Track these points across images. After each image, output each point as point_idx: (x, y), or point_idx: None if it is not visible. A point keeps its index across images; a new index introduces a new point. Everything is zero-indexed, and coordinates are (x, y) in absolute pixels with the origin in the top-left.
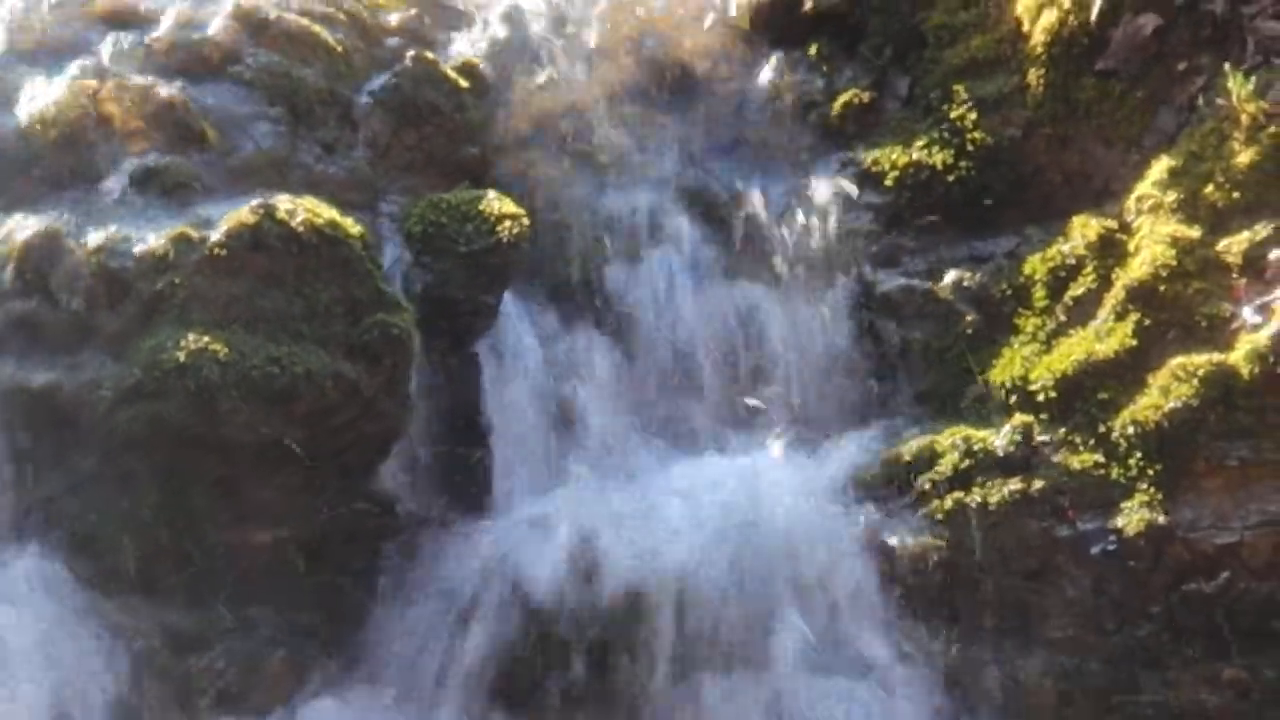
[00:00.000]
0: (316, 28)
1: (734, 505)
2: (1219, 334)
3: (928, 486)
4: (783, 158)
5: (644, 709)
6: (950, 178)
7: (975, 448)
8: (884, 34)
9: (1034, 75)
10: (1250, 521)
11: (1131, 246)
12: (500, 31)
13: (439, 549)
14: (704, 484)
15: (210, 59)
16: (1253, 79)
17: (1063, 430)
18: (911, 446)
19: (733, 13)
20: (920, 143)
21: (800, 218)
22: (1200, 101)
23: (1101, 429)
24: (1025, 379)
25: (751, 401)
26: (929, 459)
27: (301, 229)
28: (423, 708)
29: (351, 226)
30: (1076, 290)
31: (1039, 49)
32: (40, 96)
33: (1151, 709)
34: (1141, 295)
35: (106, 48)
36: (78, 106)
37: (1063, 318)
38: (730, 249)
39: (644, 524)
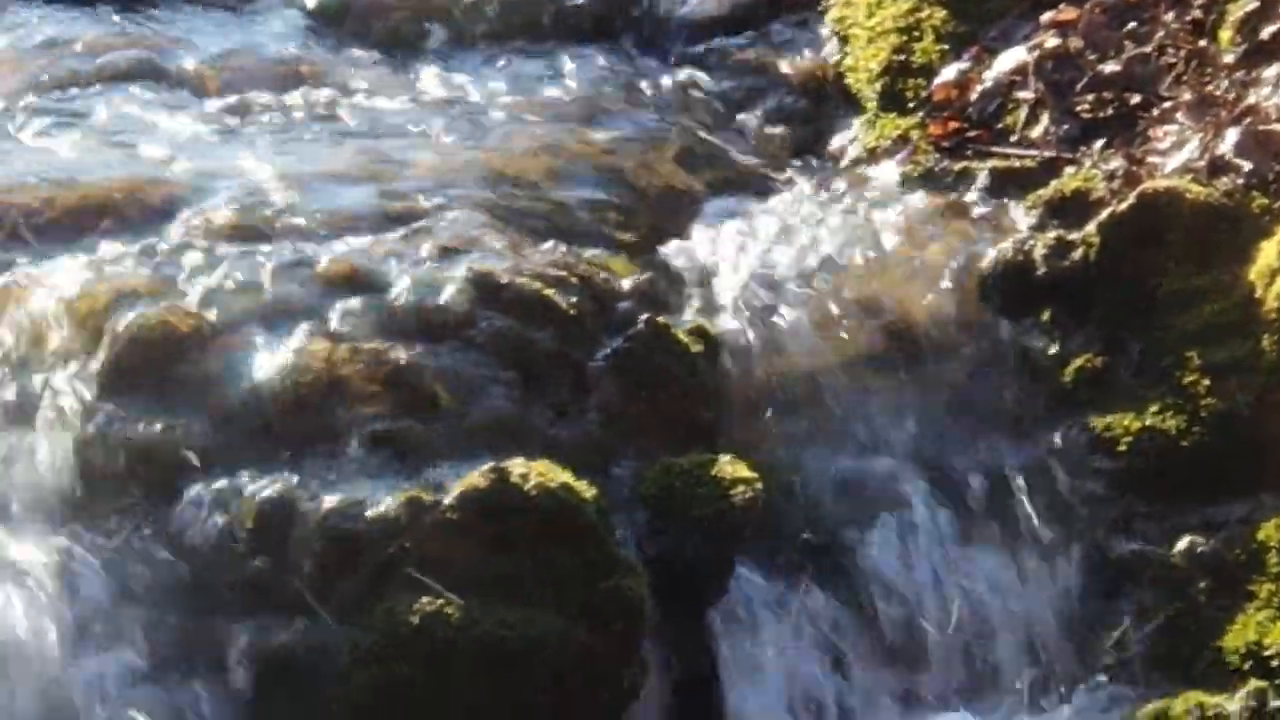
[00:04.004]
0: (549, 291)
1: None
2: None
3: None
4: (1015, 423)
5: None
6: (1183, 444)
7: (1209, 714)
8: (1115, 300)
9: (1268, 341)
10: None
11: None
12: (733, 295)
13: None
14: None
15: (443, 323)
16: None
17: None
18: (1146, 712)
19: (966, 279)
20: (1153, 409)
21: (1034, 484)
22: None
23: None
24: (1259, 645)
25: (982, 668)
26: None
27: (535, 493)
28: None
29: (585, 490)
30: None
31: (1273, 314)
32: (275, 358)
33: None
34: None
35: (340, 311)
36: (311, 370)
37: None
38: (963, 515)
39: None
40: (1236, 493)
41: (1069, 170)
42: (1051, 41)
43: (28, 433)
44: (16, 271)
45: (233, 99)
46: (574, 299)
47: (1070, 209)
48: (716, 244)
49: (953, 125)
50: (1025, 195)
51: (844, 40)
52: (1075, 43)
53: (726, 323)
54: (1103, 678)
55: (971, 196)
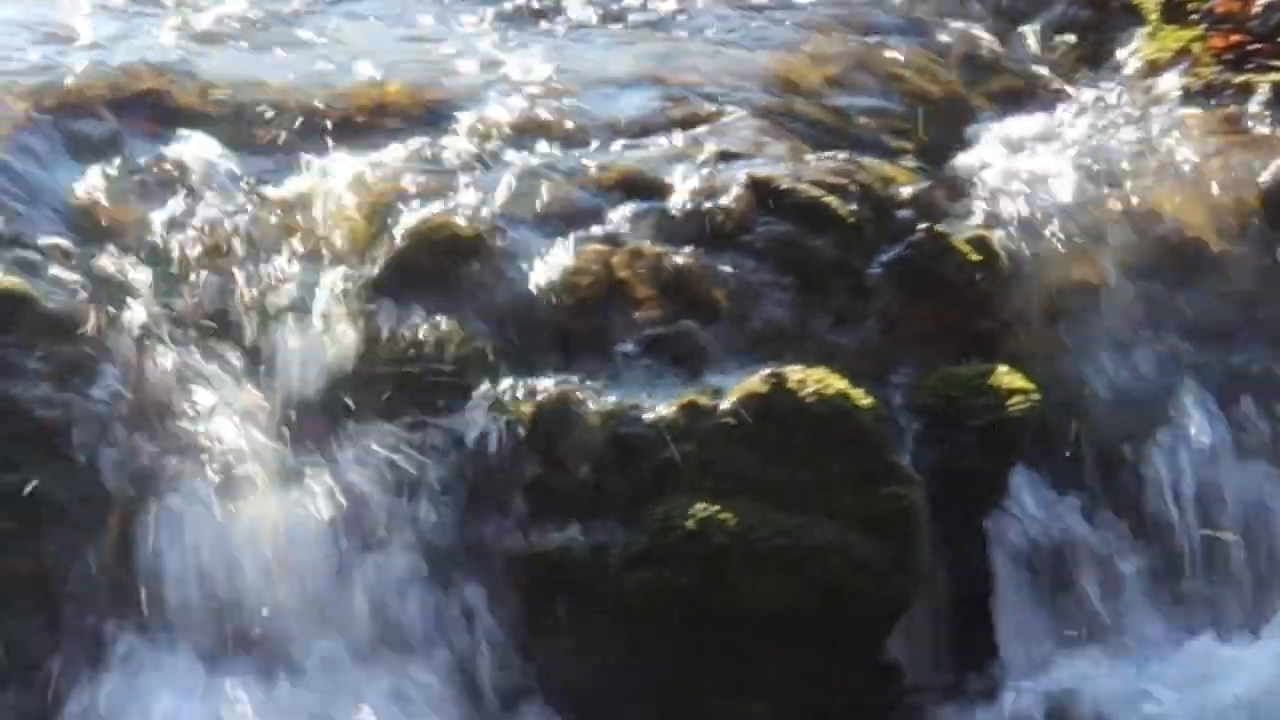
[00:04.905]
0: (829, 198)
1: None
2: None
3: None
4: None
5: None
6: None
7: None
8: None
9: None
10: None
11: None
12: (1012, 205)
13: None
14: (1218, 668)
15: (723, 228)
16: None
17: None
18: None
19: (1245, 192)
20: None
21: None
22: None
23: None
24: None
25: (1259, 585)
26: None
27: (812, 400)
28: None
29: (862, 398)
30: None
31: None
32: (553, 261)
33: None
34: None
35: (618, 215)
36: (590, 274)
37: None
38: (1240, 429)
39: (1150, 706)
40: None
41: None
42: None
43: (310, 333)
44: (300, 172)
45: (517, 1)
46: (853, 206)
47: None
48: (997, 154)
49: (1234, 38)
50: None
51: None
52: None
53: (1006, 232)
54: None
55: (1252, 110)
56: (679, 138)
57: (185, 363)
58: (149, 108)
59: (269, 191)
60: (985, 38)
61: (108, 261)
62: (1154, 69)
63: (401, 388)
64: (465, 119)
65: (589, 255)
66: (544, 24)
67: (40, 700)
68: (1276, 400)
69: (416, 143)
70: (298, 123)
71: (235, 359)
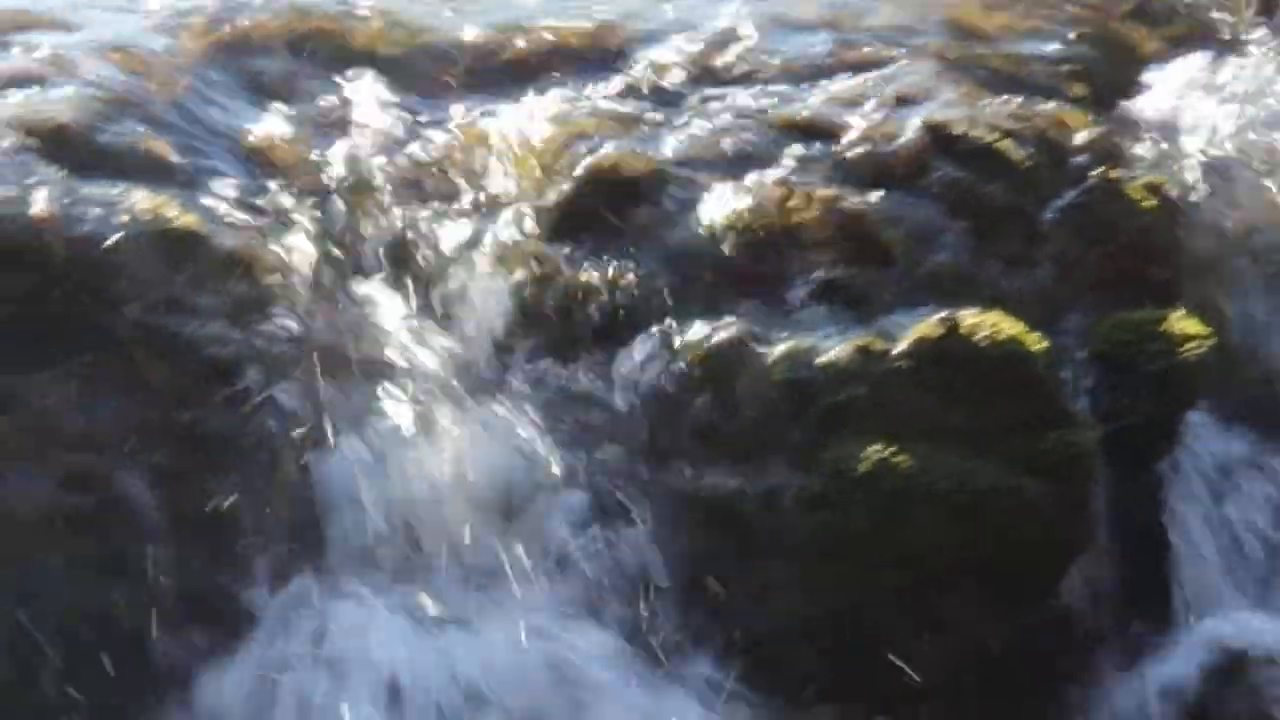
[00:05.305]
0: (1003, 143)
1: None
2: None
3: None
4: None
5: None
6: None
7: None
8: None
9: None
10: None
11: None
12: (1186, 151)
13: (1116, 670)
14: None
15: (896, 172)
16: None
17: None
18: None
19: None
20: None
21: None
22: None
23: None
24: None
25: None
26: None
27: (985, 344)
28: None
29: (1036, 343)
30: None
31: None
32: (727, 203)
33: None
34: None
35: (793, 157)
36: (764, 215)
37: None
38: None
39: None
40: None
41: None
42: None
43: (483, 272)
44: (471, 113)
45: None
46: (1028, 151)
47: None
48: (1172, 100)
49: None
50: None
51: None
52: None
53: (1181, 178)
54: None
55: None
56: (854, 81)
57: (359, 301)
58: (324, 48)
59: (443, 132)
60: None
61: (283, 200)
62: None
63: (574, 328)
64: (641, 61)
65: (763, 197)
66: None
67: (217, 637)
68: None
69: (592, 84)
70: (472, 64)
71: (409, 298)
